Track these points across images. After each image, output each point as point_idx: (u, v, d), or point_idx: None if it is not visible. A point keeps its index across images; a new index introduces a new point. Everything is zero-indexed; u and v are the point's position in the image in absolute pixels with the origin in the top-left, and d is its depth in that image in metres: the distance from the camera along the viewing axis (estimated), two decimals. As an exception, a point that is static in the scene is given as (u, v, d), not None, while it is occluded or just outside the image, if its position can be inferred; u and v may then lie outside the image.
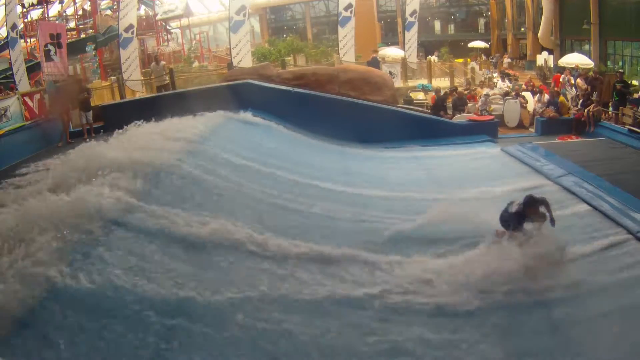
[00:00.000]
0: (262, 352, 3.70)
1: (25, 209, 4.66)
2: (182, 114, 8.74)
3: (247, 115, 10.05)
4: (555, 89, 13.50)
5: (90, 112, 10.64)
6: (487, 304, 4.41)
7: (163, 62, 15.40)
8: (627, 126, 10.31)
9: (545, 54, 19.21)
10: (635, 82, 13.18)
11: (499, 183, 7.74)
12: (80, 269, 3.97)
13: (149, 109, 8.64)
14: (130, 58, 15.00)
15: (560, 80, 14.74)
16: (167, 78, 13.69)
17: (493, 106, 12.84)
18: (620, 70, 12.86)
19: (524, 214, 5.36)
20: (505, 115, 12.46)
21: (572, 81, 13.93)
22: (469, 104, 12.82)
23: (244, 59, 14.99)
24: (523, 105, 12.81)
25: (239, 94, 10.69)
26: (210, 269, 4.57)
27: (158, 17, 23.75)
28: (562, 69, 17.75)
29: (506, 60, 20.60)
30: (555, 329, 4.21)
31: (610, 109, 11.43)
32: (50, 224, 4.40)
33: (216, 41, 28.89)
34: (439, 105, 12.35)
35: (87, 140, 10.10)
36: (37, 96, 11.13)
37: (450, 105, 12.74)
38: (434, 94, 13.20)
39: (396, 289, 4.60)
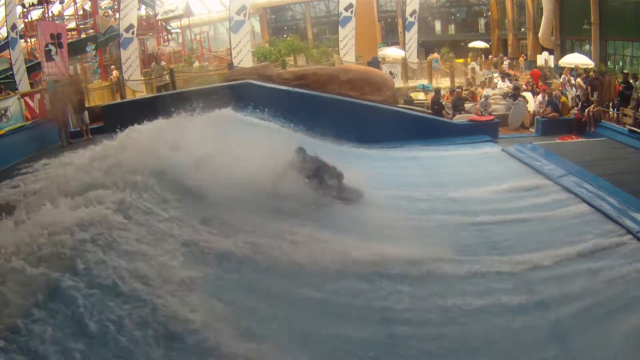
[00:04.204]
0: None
1: None
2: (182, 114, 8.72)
3: (247, 116, 10.05)
4: (539, 86, 13.66)
5: (85, 113, 10.61)
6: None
7: (163, 62, 15.39)
8: (628, 126, 10.31)
9: (545, 54, 19.19)
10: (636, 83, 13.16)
11: (499, 183, 7.74)
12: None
13: (148, 109, 8.61)
14: (130, 58, 15.00)
15: (560, 80, 14.75)
16: (168, 78, 13.69)
17: (494, 106, 12.83)
18: (625, 71, 12.83)
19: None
20: (511, 116, 12.41)
21: (572, 81, 13.93)
22: (469, 104, 12.82)
23: (244, 59, 14.99)
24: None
25: (239, 94, 10.68)
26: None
27: (158, 17, 23.70)
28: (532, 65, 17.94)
29: (521, 61, 20.60)
30: (555, 329, 4.21)
31: (612, 109, 11.41)
32: None
33: (216, 41, 28.88)
34: (434, 104, 12.35)
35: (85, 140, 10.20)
36: (37, 96, 11.14)
37: (449, 104, 12.75)
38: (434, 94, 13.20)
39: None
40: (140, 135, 6.82)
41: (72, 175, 5.57)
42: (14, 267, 3.77)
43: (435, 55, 20.47)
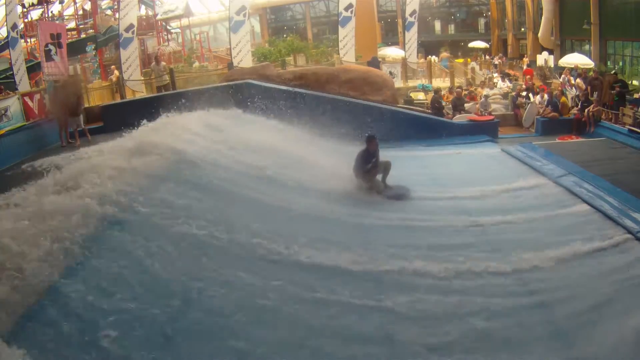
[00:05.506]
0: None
1: None
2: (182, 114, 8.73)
3: (247, 115, 10.04)
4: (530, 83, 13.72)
5: (80, 117, 10.23)
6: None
7: (163, 63, 15.37)
8: (627, 126, 10.32)
9: (545, 54, 19.21)
10: (635, 82, 13.19)
11: (499, 183, 7.74)
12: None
13: (148, 109, 8.61)
14: (130, 58, 14.99)
15: (560, 80, 14.76)
16: (167, 78, 13.68)
17: (493, 106, 12.83)
18: (613, 72, 12.86)
19: (367, 151, 7.15)
20: (526, 116, 12.38)
21: (572, 81, 13.95)
22: (469, 104, 12.83)
23: (244, 59, 14.99)
24: (523, 106, 12.82)
25: (239, 94, 10.69)
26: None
27: (158, 17, 23.72)
28: (532, 66, 17.97)
29: (525, 62, 20.57)
30: (555, 329, 4.21)
31: (608, 110, 11.42)
32: None
33: (216, 41, 28.88)
34: (434, 104, 12.37)
35: (77, 144, 9.81)
36: (37, 96, 11.13)
37: (449, 104, 12.76)
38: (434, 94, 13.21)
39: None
40: None
41: None
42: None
43: (445, 54, 20.48)
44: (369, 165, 7.23)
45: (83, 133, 10.37)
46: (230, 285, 4.35)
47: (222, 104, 9.68)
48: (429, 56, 20.87)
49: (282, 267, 4.81)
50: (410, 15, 17.52)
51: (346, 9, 16.06)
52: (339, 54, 16.31)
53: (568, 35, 19.77)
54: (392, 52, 21.26)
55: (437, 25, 28.96)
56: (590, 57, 16.81)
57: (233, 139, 8.21)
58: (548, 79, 16.45)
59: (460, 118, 12.07)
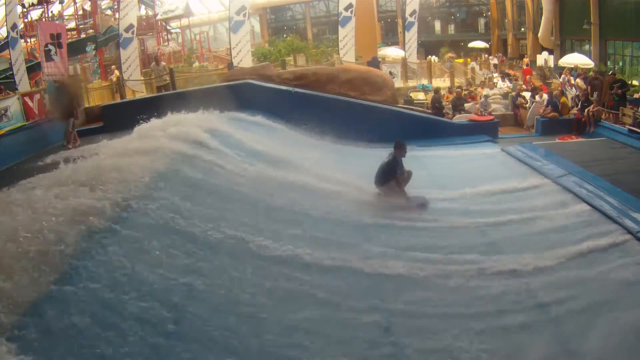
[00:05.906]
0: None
1: None
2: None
3: (247, 116, 10.04)
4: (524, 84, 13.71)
5: (71, 120, 9.76)
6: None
7: (163, 63, 15.37)
8: (627, 126, 10.32)
9: (545, 54, 19.22)
10: (635, 82, 13.18)
11: (499, 183, 7.74)
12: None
13: (148, 109, 8.61)
14: (130, 58, 15.00)
15: (560, 80, 14.77)
16: (167, 78, 13.68)
17: (493, 106, 12.83)
18: (611, 73, 12.86)
19: (395, 159, 6.73)
20: (530, 115, 12.36)
21: (572, 81, 13.95)
22: (469, 104, 12.83)
23: (244, 59, 15.00)
24: (523, 106, 12.82)
25: (239, 94, 10.68)
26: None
27: (158, 17, 23.76)
28: (532, 66, 17.99)
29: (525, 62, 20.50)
30: (555, 329, 4.21)
31: (608, 110, 11.43)
32: None
33: (216, 41, 28.92)
34: (434, 104, 12.37)
35: (69, 147, 9.51)
36: (37, 96, 11.11)
37: (449, 104, 12.77)
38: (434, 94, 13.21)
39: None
40: None
41: None
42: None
43: (450, 54, 20.53)
44: (396, 175, 6.80)
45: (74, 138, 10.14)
46: (232, 286, 4.36)
47: (221, 104, 9.69)
48: (429, 56, 20.89)
49: (278, 263, 4.80)
50: (410, 15, 17.54)
51: (346, 9, 16.07)
52: (339, 54, 16.31)
53: (568, 35, 19.79)
54: (392, 52, 21.29)
55: (437, 25, 29.00)
56: (590, 57, 16.83)
57: (232, 139, 8.21)
58: (548, 79, 16.46)
59: (460, 118, 12.07)
